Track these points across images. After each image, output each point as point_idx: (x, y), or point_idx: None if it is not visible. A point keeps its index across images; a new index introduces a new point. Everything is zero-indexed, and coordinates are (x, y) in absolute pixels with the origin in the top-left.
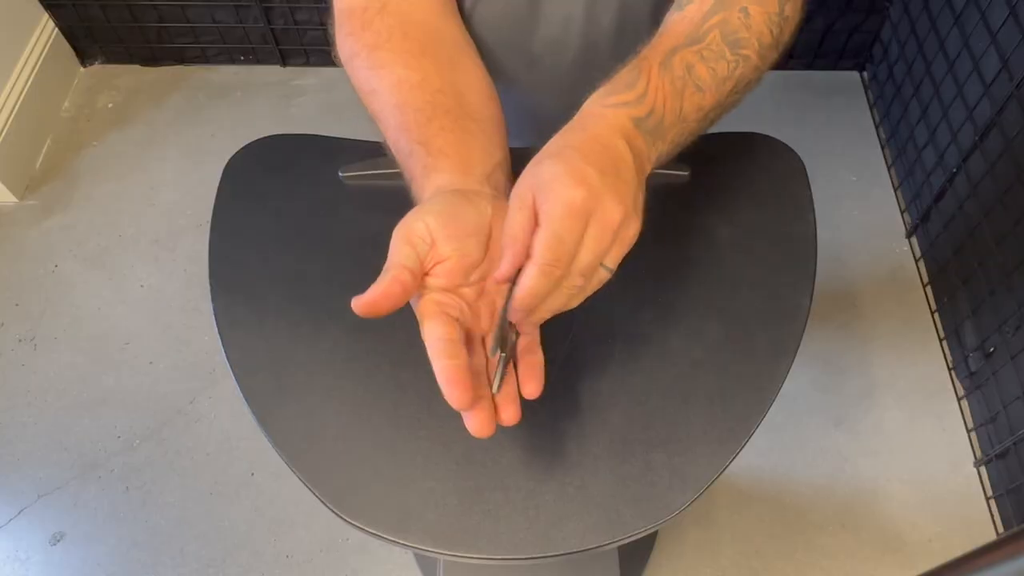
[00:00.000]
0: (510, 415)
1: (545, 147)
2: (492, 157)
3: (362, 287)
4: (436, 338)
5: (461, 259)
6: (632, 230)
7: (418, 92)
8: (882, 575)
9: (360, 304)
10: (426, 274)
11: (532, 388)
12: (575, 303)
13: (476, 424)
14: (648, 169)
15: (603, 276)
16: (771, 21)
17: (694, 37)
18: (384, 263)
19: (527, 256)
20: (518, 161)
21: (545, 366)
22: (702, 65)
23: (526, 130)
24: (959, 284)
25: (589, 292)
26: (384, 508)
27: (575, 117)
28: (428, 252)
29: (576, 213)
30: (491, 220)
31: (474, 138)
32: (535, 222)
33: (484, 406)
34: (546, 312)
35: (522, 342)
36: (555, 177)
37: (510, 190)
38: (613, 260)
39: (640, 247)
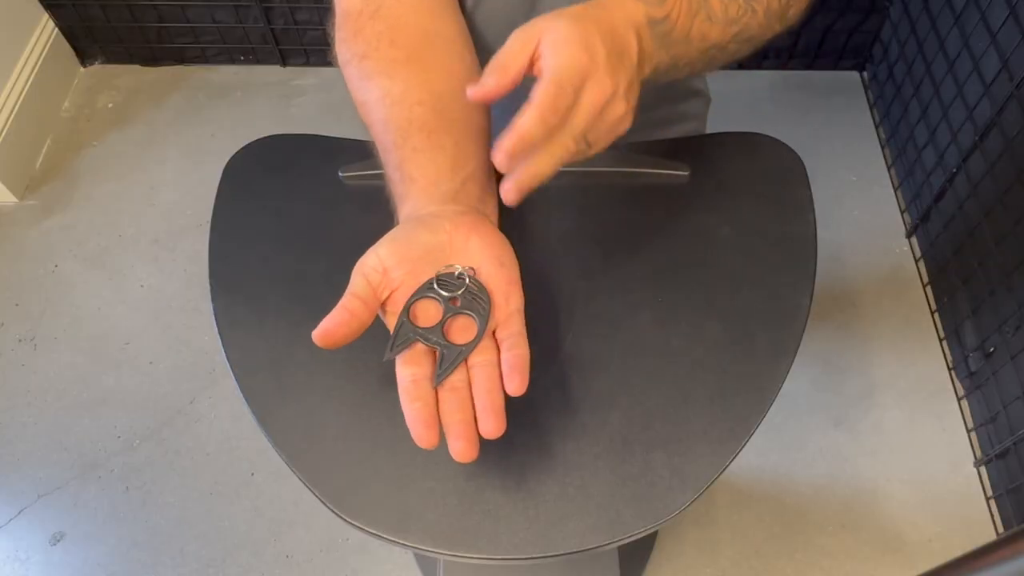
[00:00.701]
0: (490, 427)
1: (562, 9)
2: (463, 170)
3: None
4: (401, 378)
5: (415, 282)
6: (619, 111)
7: (398, 108)
8: (882, 575)
9: (317, 334)
10: (384, 302)
11: (516, 384)
12: (552, 168)
13: (456, 449)
14: (646, 71)
15: (582, 150)
16: None
17: None
18: None
19: (509, 86)
20: None
21: (545, 366)
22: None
23: None
24: (959, 284)
25: (568, 159)
26: (384, 508)
27: None
28: (381, 280)
29: (578, 72)
30: (451, 236)
31: (445, 154)
32: (529, 65)
33: (462, 432)
34: (531, 177)
35: (503, 336)
36: (567, 38)
37: (489, 194)
38: (595, 136)
39: (640, 247)
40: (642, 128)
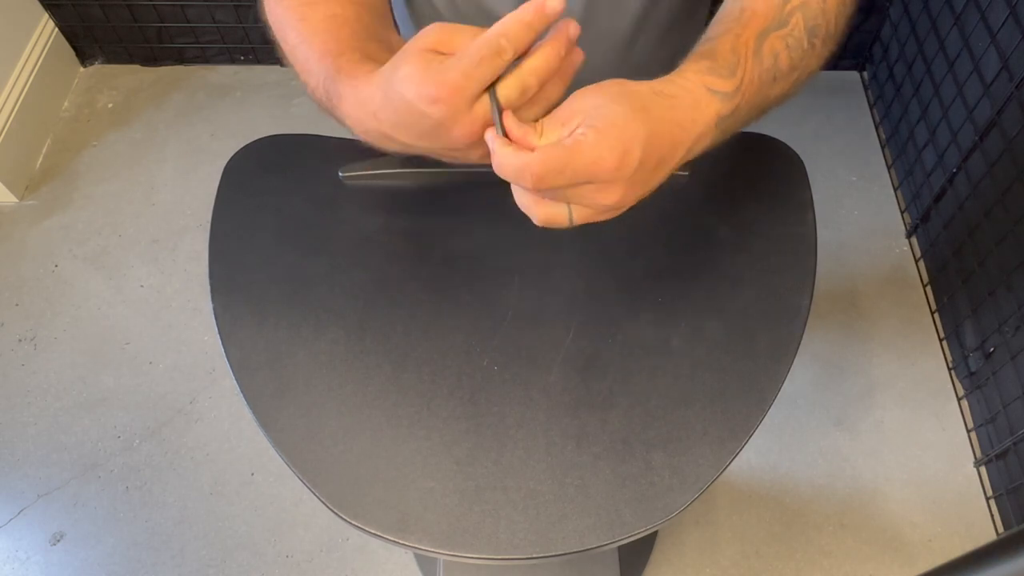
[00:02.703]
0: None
1: (640, 82)
2: None
3: (362, 287)
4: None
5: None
6: (609, 215)
7: (352, 26)
8: (882, 575)
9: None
10: None
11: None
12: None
13: None
14: (688, 158)
15: (560, 215)
16: (839, 10)
17: (780, 20)
18: (383, 263)
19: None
20: None
21: (545, 366)
22: (785, 53)
23: None
24: (959, 284)
25: (536, 213)
26: (384, 508)
27: (678, 71)
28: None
29: (590, 170)
30: None
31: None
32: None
33: None
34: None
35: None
36: (612, 125)
37: None
38: (578, 215)
39: (640, 247)
40: None
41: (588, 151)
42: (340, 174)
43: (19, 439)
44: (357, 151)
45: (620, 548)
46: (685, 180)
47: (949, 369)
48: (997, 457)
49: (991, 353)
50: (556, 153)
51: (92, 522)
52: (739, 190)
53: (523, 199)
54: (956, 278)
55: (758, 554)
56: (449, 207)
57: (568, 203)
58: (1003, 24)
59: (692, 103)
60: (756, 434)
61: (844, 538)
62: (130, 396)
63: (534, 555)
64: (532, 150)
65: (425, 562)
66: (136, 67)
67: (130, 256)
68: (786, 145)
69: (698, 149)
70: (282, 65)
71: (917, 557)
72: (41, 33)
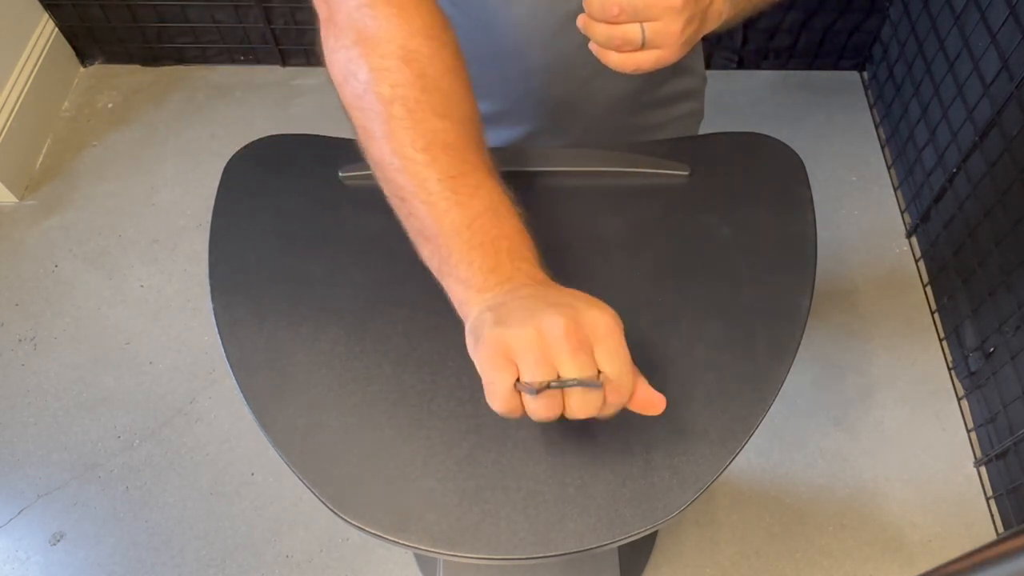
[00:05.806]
0: None
1: None
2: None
3: (362, 287)
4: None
5: None
6: (674, 27)
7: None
8: (882, 575)
9: None
10: None
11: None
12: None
13: None
14: (711, 28)
15: (633, 35)
16: None
17: None
18: (383, 263)
19: None
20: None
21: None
22: None
23: (540, 115)
24: (959, 284)
25: (614, 35)
26: (384, 508)
27: None
28: None
29: None
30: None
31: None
32: None
33: None
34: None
35: None
36: None
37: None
38: (652, 30)
39: (640, 247)
40: (643, 109)
41: None
42: (340, 174)
43: (19, 439)
44: (357, 151)
45: (620, 548)
46: (685, 180)
47: (949, 369)
48: (997, 457)
49: (991, 353)
50: None
51: (92, 522)
52: (739, 190)
53: (598, 31)
54: (956, 278)
55: (758, 554)
56: None
57: (641, 22)
58: (1003, 24)
59: None
60: (756, 434)
61: (844, 538)
62: (130, 396)
63: (534, 555)
64: None
65: (425, 562)
66: (136, 67)
67: (130, 256)
68: (786, 145)
69: (721, 10)
70: (282, 65)
71: (917, 557)
72: (41, 33)
